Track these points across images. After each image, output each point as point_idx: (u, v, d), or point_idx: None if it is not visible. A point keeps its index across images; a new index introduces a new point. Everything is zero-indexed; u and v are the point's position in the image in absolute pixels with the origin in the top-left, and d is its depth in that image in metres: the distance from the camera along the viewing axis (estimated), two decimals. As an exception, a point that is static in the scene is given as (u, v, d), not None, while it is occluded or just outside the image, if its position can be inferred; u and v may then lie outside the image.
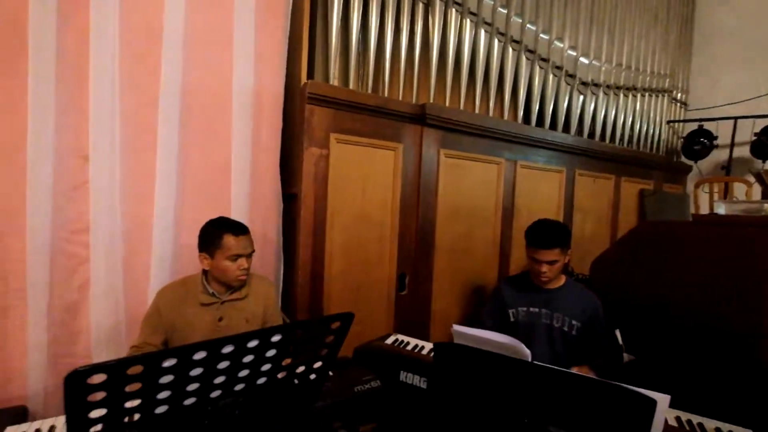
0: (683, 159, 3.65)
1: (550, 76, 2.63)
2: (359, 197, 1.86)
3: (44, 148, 1.34)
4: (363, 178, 1.86)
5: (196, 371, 0.63)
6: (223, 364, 0.67)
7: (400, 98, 2.07)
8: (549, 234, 1.46)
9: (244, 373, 0.72)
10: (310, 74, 1.86)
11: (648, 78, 3.29)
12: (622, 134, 3.18)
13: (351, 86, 1.93)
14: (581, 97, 2.84)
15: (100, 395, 0.55)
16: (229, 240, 1.25)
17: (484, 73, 2.32)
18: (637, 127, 3.29)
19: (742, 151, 3.32)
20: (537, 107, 2.61)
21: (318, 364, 0.85)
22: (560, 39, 2.67)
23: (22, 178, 1.32)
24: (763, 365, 1.29)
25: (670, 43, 3.50)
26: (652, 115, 3.41)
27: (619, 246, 1.99)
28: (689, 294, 1.52)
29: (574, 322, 1.48)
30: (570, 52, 2.71)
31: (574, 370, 1.31)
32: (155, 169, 1.55)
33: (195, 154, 1.65)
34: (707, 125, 3.42)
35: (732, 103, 3.49)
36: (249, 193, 1.77)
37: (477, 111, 2.34)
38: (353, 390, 1.12)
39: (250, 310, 1.36)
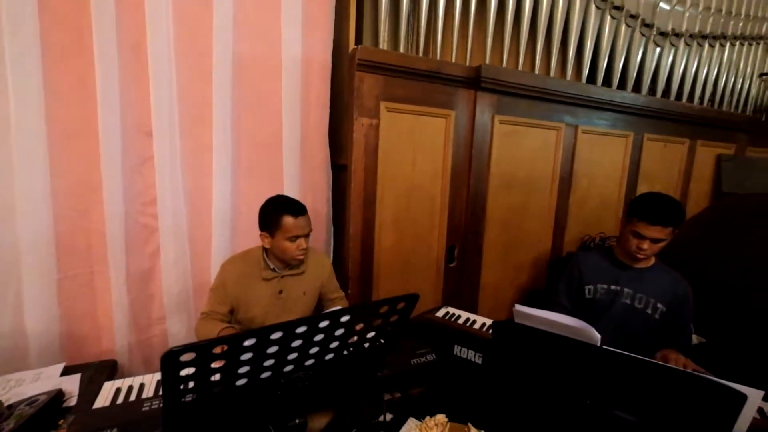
0: (776, 118, 3.19)
1: (623, 27, 2.32)
2: (409, 168, 1.81)
3: (112, 124, 1.41)
4: (413, 148, 1.80)
5: (272, 349, 0.66)
6: (296, 343, 0.69)
7: (453, 61, 1.93)
8: (668, 210, 1.29)
9: (314, 350, 0.74)
10: (358, 39, 1.77)
11: (741, 23, 2.81)
12: (703, 91, 2.80)
13: (401, 50, 1.82)
14: (657, 50, 2.51)
15: (190, 370, 0.58)
16: (288, 221, 1.26)
17: (546, 27, 2.10)
18: (722, 82, 2.88)
19: None
20: (604, 64, 2.34)
21: (382, 341, 0.86)
22: (637, -19, 2.33)
23: (96, 153, 1.40)
24: None
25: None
26: (741, 66, 2.96)
27: (696, 223, 1.80)
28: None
29: (659, 305, 1.38)
30: (648, -4, 2.37)
31: (662, 353, 1.25)
32: (212, 143, 1.59)
33: (247, 127, 1.66)
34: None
35: None
36: (299, 166, 1.77)
37: (536, 72, 2.15)
38: (410, 363, 1.14)
39: (307, 283, 1.40)
